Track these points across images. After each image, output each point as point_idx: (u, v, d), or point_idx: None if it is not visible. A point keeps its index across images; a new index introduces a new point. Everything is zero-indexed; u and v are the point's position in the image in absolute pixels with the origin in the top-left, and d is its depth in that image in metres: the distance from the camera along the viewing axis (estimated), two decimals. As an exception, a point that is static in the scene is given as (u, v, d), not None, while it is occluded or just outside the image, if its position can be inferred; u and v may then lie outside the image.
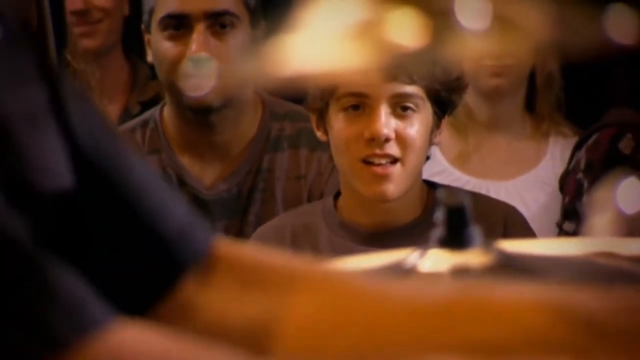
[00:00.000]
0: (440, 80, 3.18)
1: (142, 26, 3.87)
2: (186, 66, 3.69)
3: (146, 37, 3.87)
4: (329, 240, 3.32)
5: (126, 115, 4.41)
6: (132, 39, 4.34)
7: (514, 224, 3.31)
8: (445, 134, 3.88)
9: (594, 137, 3.72)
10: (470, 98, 4.03)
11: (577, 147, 3.78)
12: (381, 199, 3.25)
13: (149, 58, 3.88)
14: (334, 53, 0.97)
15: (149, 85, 4.45)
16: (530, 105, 4.16)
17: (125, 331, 1.30)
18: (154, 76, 4.30)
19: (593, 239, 1.88)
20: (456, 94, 3.31)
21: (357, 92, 3.21)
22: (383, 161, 3.20)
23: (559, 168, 3.92)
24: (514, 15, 0.93)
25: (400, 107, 3.21)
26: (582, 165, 3.69)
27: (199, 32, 3.74)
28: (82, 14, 4.38)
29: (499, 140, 4.14)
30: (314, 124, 3.37)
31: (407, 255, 1.94)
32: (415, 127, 3.22)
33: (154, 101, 4.12)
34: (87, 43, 4.40)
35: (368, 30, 0.96)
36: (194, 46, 3.70)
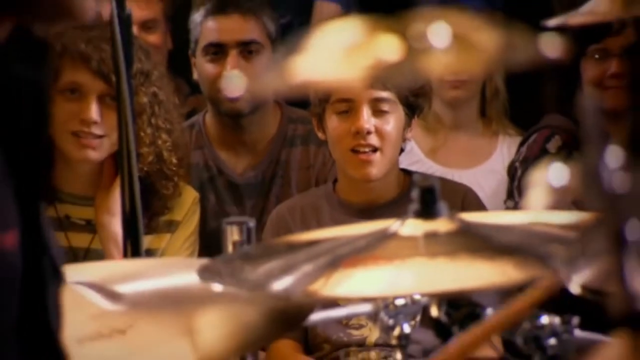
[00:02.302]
0: (408, 87, 3.23)
1: (189, 52, 3.88)
2: (223, 81, 3.72)
3: (192, 60, 3.88)
4: (330, 215, 3.34)
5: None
6: (174, 65, 4.31)
7: (470, 200, 3.35)
8: (419, 132, 3.92)
9: (533, 136, 3.74)
10: (437, 106, 4.03)
11: (521, 144, 3.79)
12: (366, 179, 3.30)
13: (195, 76, 3.90)
14: (330, 68, 0.96)
15: (188, 100, 4.42)
16: (483, 112, 4.17)
17: None
18: (191, 92, 4.29)
19: (531, 211, 1.87)
20: (421, 99, 3.38)
21: (345, 97, 3.27)
22: (367, 149, 3.27)
23: (507, 160, 3.91)
24: (471, 37, 0.92)
25: (378, 108, 3.28)
26: (521, 157, 3.71)
27: (233, 56, 3.77)
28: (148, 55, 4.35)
29: (460, 138, 4.14)
30: (315, 126, 3.43)
31: (390, 224, 1.94)
32: (391, 124, 3.28)
33: (192, 113, 4.10)
34: None
35: (356, 50, 0.95)
36: (228, 66, 3.73)
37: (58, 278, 1.36)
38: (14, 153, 1.31)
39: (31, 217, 1.32)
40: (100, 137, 3.14)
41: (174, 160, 3.30)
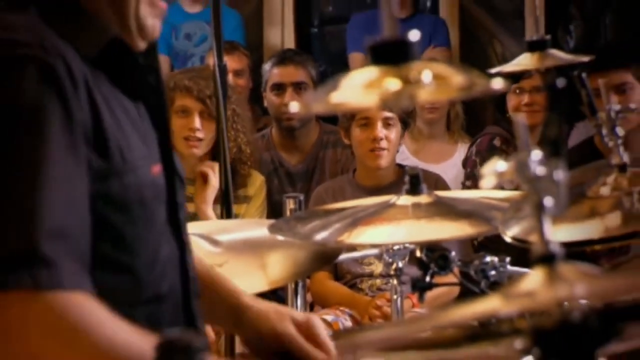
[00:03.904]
0: (403, 110, 3.23)
1: (262, 89, 3.89)
2: (284, 108, 3.73)
3: (264, 94, 3.87)
4: (351, 193, 3.30)
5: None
6: (253, 97, 4.31)
7: (440, 183, 3.32)
8: (408, 140, 3.91)
9: (479, 139, 3.74)
10: (419, 123, 4.02)
11: (470, 146, 3.79)
12: (378, 168, 3.27)
13: (265, 104, 3.90)
14: (355, 97, 0.95)
15: (260, 119, 4.42)
16: (448, 127, 4.16)
17: (80, 298, 1.08)
18: (263, 114, 4.29)
19: (480, 189, 1.85)
20: (410, 118, 3.37)
21: (366, 116, 3.24)
22: (379, 150, 3.23)
23: (462, 158, 3.90)
24: (445, 78, 0.91)
25: (386, 123, 3.24)
26: (474, 153, 3.71)
27: (289, 92, 3.75)
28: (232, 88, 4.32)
29: (434, 144, 4.12)
30: (342, 135, 3.40)
31: (391, 198, 1.93)
32: (393, 134, 3.26)
33: (262, 128, 4.11)
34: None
35: (372, 86, 0.94)
36: (287, 98, 3.73)
37: (183, 184, 1.39)
38: (156, 114, 1.34)
39: (168, 155, 1.34)
40: (200, 140, 3.18)
41: (248, 151, 3.33)
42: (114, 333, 1.07)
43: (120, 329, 1.09)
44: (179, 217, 1.34)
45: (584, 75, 1.89)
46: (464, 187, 3.68)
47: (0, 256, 1.06)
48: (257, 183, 3.43)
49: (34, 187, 1.09)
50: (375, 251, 2.28)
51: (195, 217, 3.22)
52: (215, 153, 3.18)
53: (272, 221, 2.08)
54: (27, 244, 1.06)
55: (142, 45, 1.31)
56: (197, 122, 3.17)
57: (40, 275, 1.06)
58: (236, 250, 1.94)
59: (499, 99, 3.66)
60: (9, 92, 1.12)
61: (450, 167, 3.97)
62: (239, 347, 2.12)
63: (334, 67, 4.78)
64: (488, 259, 1.94)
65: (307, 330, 1.40)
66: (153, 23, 1.30)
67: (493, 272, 1.94)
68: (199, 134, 3.18)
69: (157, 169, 1.29)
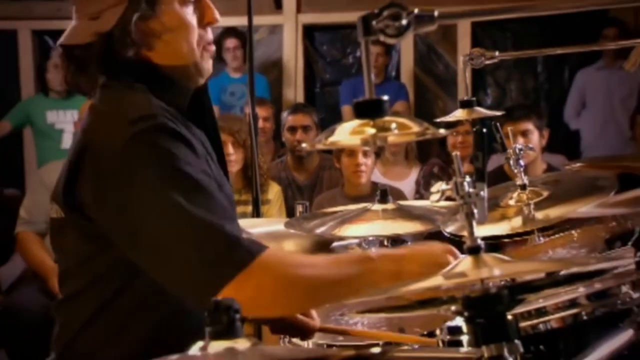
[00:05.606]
0: (376, 146, 3.21)
1: (281, 128, 3.87)
2: (296, 144, 3.71)
3: (282, 132, 3.86)
4: (341, 201, 3.27)
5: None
6: (275, 135, 4.29)
7: (401, 196, 3.29)
8: (379, 165, 3.88)
9: (425, 167, 3.75)
10: (387, 153, 3.99)
11: (420, 171, 3.79)
12: (359, 184, 3.27)
13: (283, 139, 3.89)
14: (345, 138, 0.93)
15: (279, 150, 4.40)
16: (406, 156, 4.14)
17: (273, 251, 1.11)
18: (281, 146, 4.28)
19: (429, 201, 1.83)
20: (381, 151, 3.43)
21: (351, 149, 3.22)
22: (360, 171, 3.23)
23: (415, 178, 3.88)
24: (407, 125, 0.90)
25: (365, 154, 3.24)
26: (421, 176, 3.72)
27: (299, 132, 3.73)
28: (262, 129, 4.26)
29: (395, 168, 4.10)
30: (335, 161, 3.39)
31: (367, 205, 1.92)
32: (370, 161, 3.26)
33: (282, 155, 4.09)
34: (260, 139, 4.17)
35: (355, 131, 0.93)
36: (297, 136, 3.72)
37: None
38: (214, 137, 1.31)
39: (226, 171, 1.32)
40: (232, 161, 3.16)
41: (265, 166, 3.34)
42: (314, 262, 1.12)
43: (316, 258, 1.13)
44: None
45: (498, 124, 1.90)
46: (416, 198, 3.67)
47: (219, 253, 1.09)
48: (274, 190, 3.42)
49: (206, 203, 1.12)
50: (356, 241, 2.26)
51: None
52: (245, 170, 3.20)
53: (287, 220, 2.07)
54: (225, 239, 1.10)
55: (201, 81, 1.28)
56: (230, 148, 3.17)
57: (247, 253, 1.10)
58: (262, 239, 1.91)
59: (442, 139, 3.67)
60: (156, 147, 1.14)
61: (407, 184, 3.95)
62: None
63: (330, 115, 4.81)
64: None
65: None
66: (208, 66, 1.27)
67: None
68: (232, 157, 3.18)
69: (227, 185, 1.28)
